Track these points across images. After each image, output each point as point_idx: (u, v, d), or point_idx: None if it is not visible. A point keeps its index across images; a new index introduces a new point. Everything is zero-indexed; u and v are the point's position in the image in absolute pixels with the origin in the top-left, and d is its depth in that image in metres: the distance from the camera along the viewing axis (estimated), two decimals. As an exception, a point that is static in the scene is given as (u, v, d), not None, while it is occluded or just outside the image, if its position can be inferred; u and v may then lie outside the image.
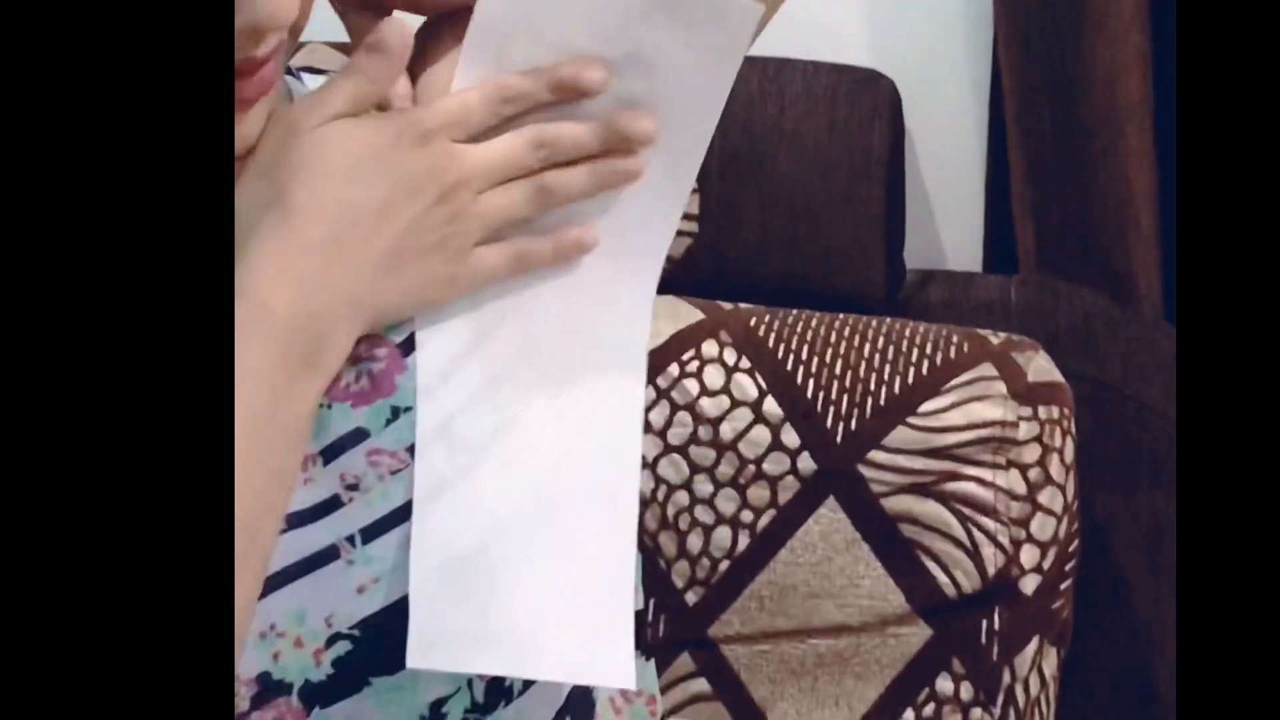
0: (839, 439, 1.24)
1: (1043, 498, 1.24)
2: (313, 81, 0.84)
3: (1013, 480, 1.23)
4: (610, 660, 0.77)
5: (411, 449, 0.78)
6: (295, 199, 0.73)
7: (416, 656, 0.75)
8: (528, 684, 0.81)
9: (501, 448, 0.78)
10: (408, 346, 0.79)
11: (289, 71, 0.84)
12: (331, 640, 0.76)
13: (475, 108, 0.77)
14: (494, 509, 0.77)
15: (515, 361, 0.79)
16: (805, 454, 1.24)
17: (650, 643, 1.25)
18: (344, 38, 0.78)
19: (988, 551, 1.22)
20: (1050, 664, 1.26)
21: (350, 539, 0.77)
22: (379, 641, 0.76)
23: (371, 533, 0.77)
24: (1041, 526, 1.24)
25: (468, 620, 0.76)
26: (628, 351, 0.81)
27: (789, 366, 1.27)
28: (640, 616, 0.86)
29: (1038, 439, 1.24)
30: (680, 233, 1.36)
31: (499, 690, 0.80)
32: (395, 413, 0.78)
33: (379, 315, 0.77)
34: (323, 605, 0.76)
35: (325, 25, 0.82)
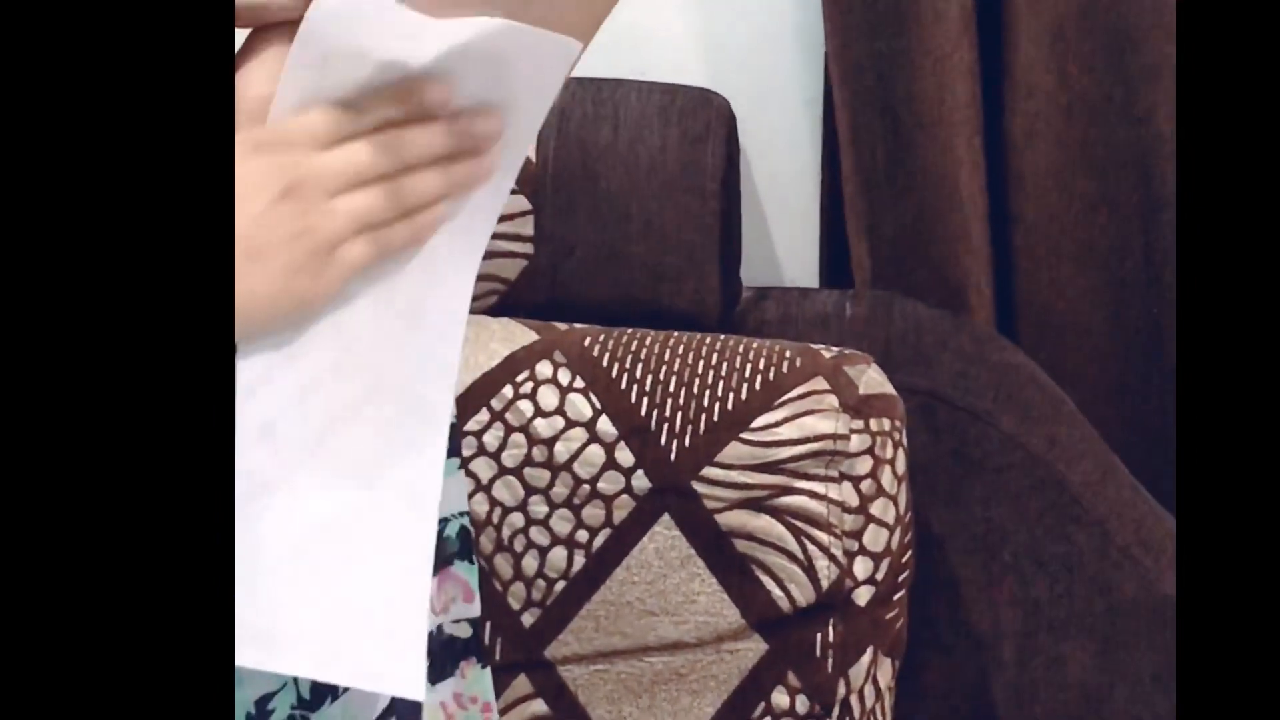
0: (673, 456, 1.25)
1: (875, 509, 1.25)
2: None
3: (845, 493, 1.24)
4: (401, 671, 0.79)
5: None
6: None
7: (240, 653, 0.76)
8: None
9: (319, 454, 0.79)
10: None
11: None
12: None
13: (318, 120, 0.77)
14: (309, 513, 0.79)
15: (328, 374, 0.80)
16: (639, 472, 1.25)
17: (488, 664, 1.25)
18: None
19: (821, 564, 1.23)
20: (885, 674, 1.27)
21: None
22: None
23: None
24: (874, 538, 1.25)
25: (282, 619, 0.77)
26: (437, 366, 0.83)
27: (623, 386, 1.27)
28: (477, 624, 0.90)
29: (869, 451, 1.25)
30: (515, 254, 1.37)
31: (324, 687, 0.82)
32: None
33: (245, 306, 0.76)
34: None
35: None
